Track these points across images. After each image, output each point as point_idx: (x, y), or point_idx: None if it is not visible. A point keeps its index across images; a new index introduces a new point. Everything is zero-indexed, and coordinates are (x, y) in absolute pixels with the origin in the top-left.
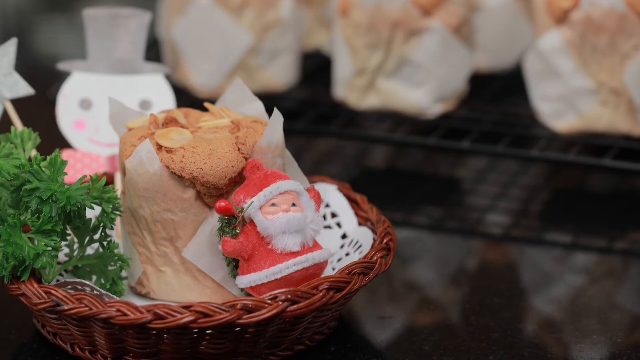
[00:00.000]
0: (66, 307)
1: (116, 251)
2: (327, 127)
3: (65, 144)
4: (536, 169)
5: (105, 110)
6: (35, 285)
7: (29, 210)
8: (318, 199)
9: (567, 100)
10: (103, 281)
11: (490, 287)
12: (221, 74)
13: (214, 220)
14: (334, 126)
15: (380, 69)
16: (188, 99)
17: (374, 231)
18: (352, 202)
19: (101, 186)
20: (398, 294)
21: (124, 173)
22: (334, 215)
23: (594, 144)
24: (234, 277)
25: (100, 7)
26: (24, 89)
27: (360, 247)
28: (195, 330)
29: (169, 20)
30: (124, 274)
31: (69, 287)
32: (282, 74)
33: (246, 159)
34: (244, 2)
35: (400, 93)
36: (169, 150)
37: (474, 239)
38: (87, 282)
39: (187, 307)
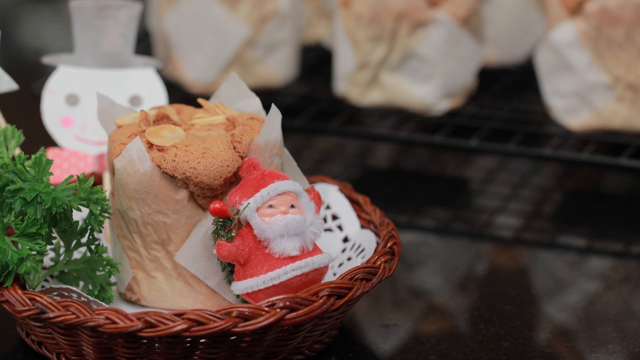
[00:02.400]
0: (51, 315)
1: (104, 255)
2: (327, 124)
3: (50, 142)
4: (548, 168)
5: (93, 106)
6: (19, 292)
7: (13, 212)
8: (318, 200)
9: (581, 95)
10: (91, 287)
11: (500, 293)
12: (215, 68)
13: (207, 223)
14: (335, 123)
15: (383, 62)
16: (180, 94)
17: (377, 234)
18: (354, 203)
19: (88, 186)
20: (402, 301)
21: (112, 173)
22: (334, 217)
23: (609, 141)
24: (229, 282)
25: None
26: (7, 84)
27: (362, 250)
28: (188, 339)
29: (161, 11)
30: (112, 279)
31: (55, 293)
32: (280, 68)
33: (242, 157)
34: None
35: (405, 88)
36: (161, 149)
37: (483, 242)
38: (74, 288)
39: (179, 315)
